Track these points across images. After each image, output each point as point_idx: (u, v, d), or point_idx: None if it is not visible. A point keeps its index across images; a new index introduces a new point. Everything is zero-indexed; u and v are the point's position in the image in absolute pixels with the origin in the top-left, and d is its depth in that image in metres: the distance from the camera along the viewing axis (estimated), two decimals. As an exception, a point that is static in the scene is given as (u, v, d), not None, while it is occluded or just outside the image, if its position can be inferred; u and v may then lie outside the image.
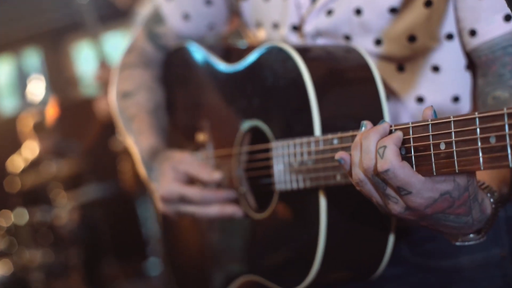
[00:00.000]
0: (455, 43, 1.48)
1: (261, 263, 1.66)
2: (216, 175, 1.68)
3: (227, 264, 1.82)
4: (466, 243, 1.23)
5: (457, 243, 1.24)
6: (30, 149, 5.87)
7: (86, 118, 6.48)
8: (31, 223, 5.43)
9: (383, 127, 1.14)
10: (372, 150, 1.12)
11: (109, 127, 5.76)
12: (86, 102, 7.20)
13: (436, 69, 1.51)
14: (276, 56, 1.53)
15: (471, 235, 1.22)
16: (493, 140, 0.93)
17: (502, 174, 1.31)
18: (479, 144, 0.96)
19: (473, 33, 1.41)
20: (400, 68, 1.55)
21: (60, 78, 7.70)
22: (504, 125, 0.90)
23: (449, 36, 1.47)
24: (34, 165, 5.69)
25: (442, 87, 1.52)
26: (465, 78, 1.52)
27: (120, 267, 5.91)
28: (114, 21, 6.61)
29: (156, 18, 1.95)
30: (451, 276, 1.62)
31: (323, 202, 1.41)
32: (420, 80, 1.53)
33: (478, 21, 1.39)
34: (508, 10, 1.34)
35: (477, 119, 0.96)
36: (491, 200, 1.20)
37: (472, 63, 1.49)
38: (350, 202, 1.42)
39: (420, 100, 1.54)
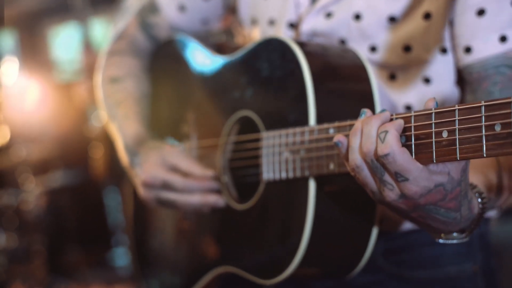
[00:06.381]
0: (449, 58, 1.50)
1: (239, 254, 1.64)
2: (209, 173, 1.67)
3: (202, 255, 1.80)
4: (449, 241, 1.25)
5: (440, 240, 1.25)
6: (1, 133, 5.80)
7: (61, 103, 6.43)
8: (-3, 206, 5.37)
9: (384, 114, 1.16)
10: (373, 134, 1.13)
11: (85, 113, 5.73)
12: (61, 87, 7.13)
13: (427, 80, 1.53)
14: (273, 48, 1.54)
15: (455, 234, 1.24)
16: (498, 128, 0.96)
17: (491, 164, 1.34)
18: (484, 131, 0.99)
19: (468, 50, 1.42)
20: (392, 76, 1.56)
21: (34, 61, 7.61)
22: (510, 113, 0.93)
23: (444, 50, 1.49)
24: (4, 148, 5.62)
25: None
26: (454, 93, 1.53)
27: (84, 255, 5.86)
28: (103, 7, 6.56)
29: (151, 7, 1.93)
30: (424, 287, 1.64)
31: (311, 194, 1.41)
32: (410, 89, 1.55)
33: (474, 39, 1.40)
34: (504, 31, 1.36)
35: (483, 107, 0.99)
36: (479, 200, 1.23)
37: (462, 79, 1.51)
38: (338, 196, 1.43)
39: (408, 108, 1.55)
